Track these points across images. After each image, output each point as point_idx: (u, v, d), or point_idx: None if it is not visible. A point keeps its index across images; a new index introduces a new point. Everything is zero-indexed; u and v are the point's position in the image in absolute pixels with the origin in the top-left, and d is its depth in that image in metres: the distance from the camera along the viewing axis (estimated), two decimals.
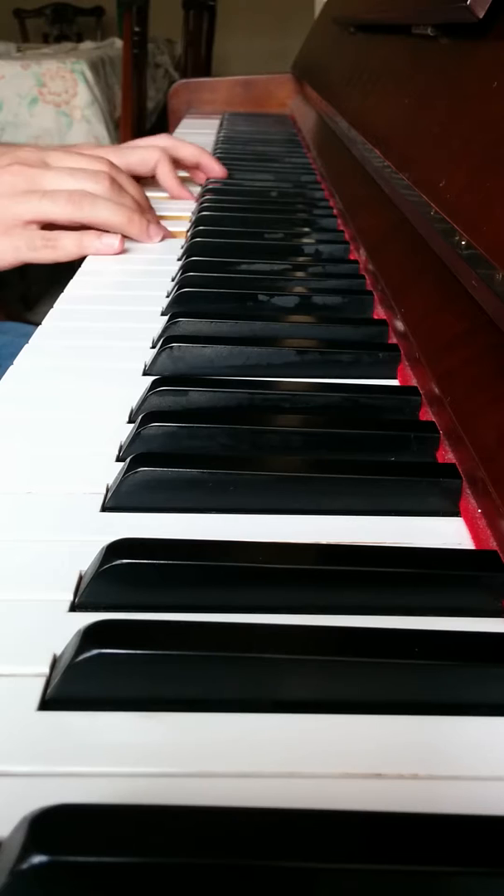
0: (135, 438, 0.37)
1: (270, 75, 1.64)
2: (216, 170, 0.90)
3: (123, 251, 0.66)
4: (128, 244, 0.68)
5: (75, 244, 0.64)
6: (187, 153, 0.87)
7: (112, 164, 0.70)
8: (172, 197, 0.84)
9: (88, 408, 0.41)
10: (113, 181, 0.67)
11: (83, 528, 0.32)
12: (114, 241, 0.65)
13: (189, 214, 0.80)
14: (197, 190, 0.88)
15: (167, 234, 0.72)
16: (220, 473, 0.33)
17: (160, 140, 0.86)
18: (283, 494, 0.34)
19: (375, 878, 0.18)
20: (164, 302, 0.56)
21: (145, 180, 0.83)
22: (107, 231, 0.66)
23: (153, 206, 0.75)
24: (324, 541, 0.31)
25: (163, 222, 0.73)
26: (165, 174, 0.82)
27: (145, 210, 0.71)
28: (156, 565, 0.28)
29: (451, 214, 0.40)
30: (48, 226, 0.65)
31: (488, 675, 0.25)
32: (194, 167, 0.90)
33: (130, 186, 0.70)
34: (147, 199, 0.72)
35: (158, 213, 0.76)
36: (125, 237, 0.67)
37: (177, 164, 0.86)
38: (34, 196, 0.63)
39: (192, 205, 0.84)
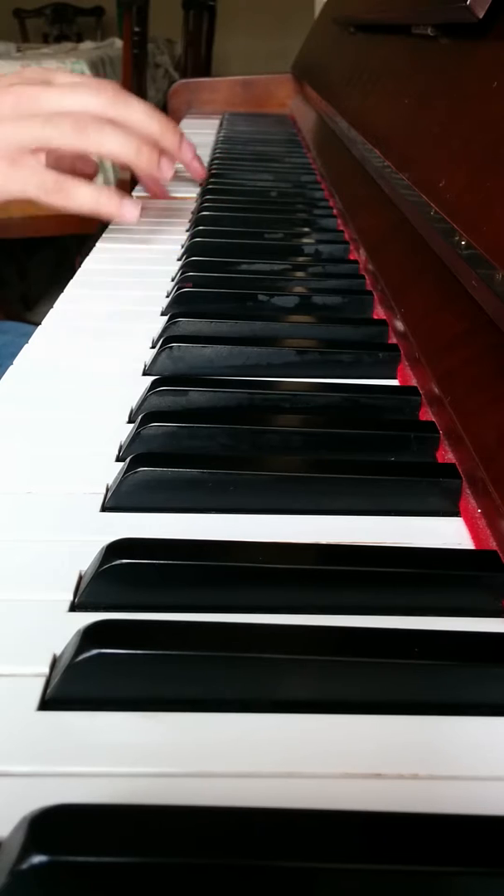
0: (135, 438, 0.37)
1: (270, 75, 1.64)
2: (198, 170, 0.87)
3: (137, 221, 0.62)
4: (127, 245, 0.67)
5: (92, 198, 0.58)
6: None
7: (118, 85, 0.63)
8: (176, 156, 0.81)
9: (88, 408, 0.41)
10: (116, 91, 0.60)
11: (83, 528, 0.32)
12: (135, 209, 0.60)
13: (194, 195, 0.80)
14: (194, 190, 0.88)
15: (191, 159, 0.66)
16: (220, 473, 0.33)
17: (173, 123, 0.83)
18: (283, 494, 0.34)
19: (375, 878, 0.18)
20: (164, 302, 0.56)
21: None
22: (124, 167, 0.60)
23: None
24: (324, 541, 0.31)
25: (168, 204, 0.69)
26: (172, 142, 0.76)
27: (156, 123, 0.63)
28: (155, 565, 0.28)
29: (451, 214, 0.40)
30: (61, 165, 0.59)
31: (488, 675, 0.25)
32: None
33: (136, 100, 0.62)
34: (160, 113, 0.64)
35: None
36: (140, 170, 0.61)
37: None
38: (37, 121, 0.57)
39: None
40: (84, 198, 0.58)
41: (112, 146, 0.59)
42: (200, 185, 0.89)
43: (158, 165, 0.62)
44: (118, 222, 0.62)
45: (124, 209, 0.60)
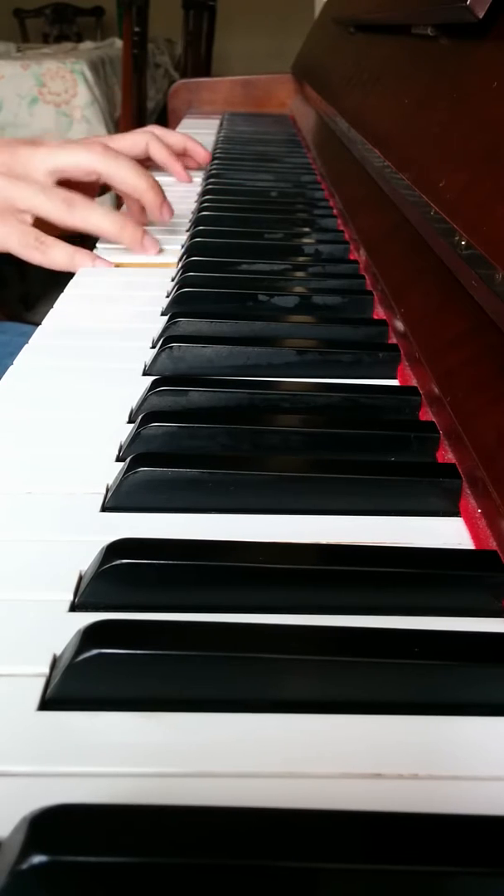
0: (135, 438, 0.37)
1: (270, 75, 1.64)
2: (201, 153, 0.96)
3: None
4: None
5: (66, 258, 0.63)
6: (174, 140, 0.92)
7: (105, 144, 0.68)
8: (168, 169, 0.89)
9: (88, 408, 0.41)
10: (105, 148, 0.65)
11: (83, 529, 0.32)
12: (106, 266, 0.64)
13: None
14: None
15: (168, 221, 0.70)
16: (220, 473, 0.33)
17: (148, 129, 0.89)
18: (283, 494, 0.34)
19: (375, 878, 0.18)
20: (164, 302, 0.56)
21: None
22: (104, 241, 0.65)
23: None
24: (324, 541, 0.31)
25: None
26: (157, 150, 0.85)
27: (142, 181, 0.67)
28: (155, 565, 0.28)
29: (450, 214, 0.40)
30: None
31: (488, 675, 0.25)
32: (182, 153, 0.94)
33: (125, 158, 0.67)
34: (146, 172, 0.68)
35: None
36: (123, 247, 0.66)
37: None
38: (32, 186, 0.61)
39: (187, 187, 0.89)
40: (60, 257, 0.63)
41: (97, 221, 0.63)
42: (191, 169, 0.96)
43: (142, 243, 0.66)
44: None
45: (97, 265, 0.64)
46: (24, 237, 0.61)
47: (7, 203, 0.61)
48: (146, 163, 0.86)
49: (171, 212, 0.70)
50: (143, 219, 0.71)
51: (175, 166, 0.89)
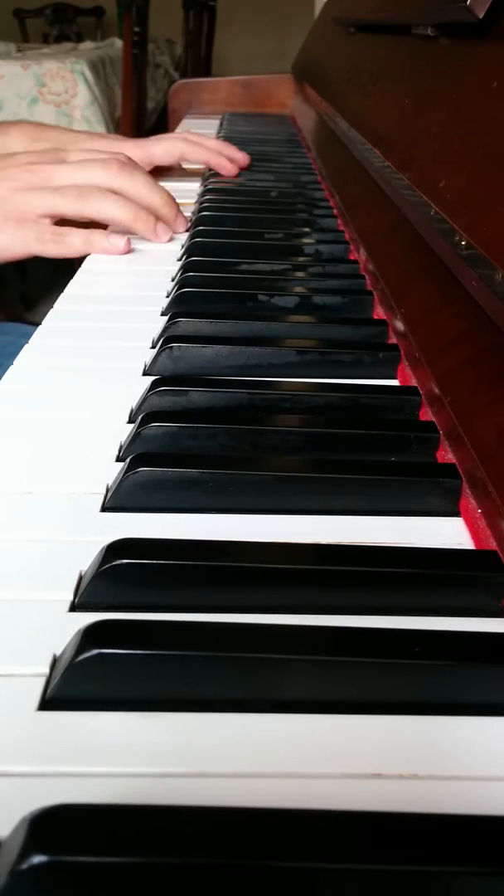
0: (135, 438, 0.37)
1: (270, 75, 1.64)
2: (240, 158, 0.94)
3: (129, 251, 0.67)
4: (131, 244, 0.68)
5: (83, 241, 0.65)
6: (211, 145, 0.92)
7: (126, 157, 0.71)
8: (211, 165, 0.91)
9: (88, 408, 0.41)
10: (122, 166, 0.68)
11: (83, 528, 0.32)
12: (120, 241, 0.66)
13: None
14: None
15: (182, 224, 0.73)
16: (219, 473, 0.33)
17: (184, 134, 0.91)
18: (283, 494, 0.34)
19: (375, 878, 0.18)
20: (164, 302, 0.56)
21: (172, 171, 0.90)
22: (116, 228, 0.67)
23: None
24: (324, 541, 0.31)
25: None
26: (195, 151, 0.87)
27: (157, 196, 0.70)
28: (155, 565, 0.28)
29: (450, 214, 0.40)
30: (64, 221, 0.66)
31: (488, 675, 0.25)
32: (217, 156, 0.94)
33: (141, 175, 0.70)
34: (161, 188, 0.71)
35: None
36: (137, 235, 0.68)
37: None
38: (46, 191, 0.64)
39: (188, 185, 0.90)
40: (77, 242, 0.65)
41: (110, 210, 0.66)
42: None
43: (155, 230, 0.69)
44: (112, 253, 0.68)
45: (111, 243, 0.66)
46: (42, 234, 0.64)
47: (29, 213, 0.64)
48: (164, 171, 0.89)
49: (186, 221, 0.74)
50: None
51: (218, 159, 0.90)
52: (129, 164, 0.70)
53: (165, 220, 0.70)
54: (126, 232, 0.68)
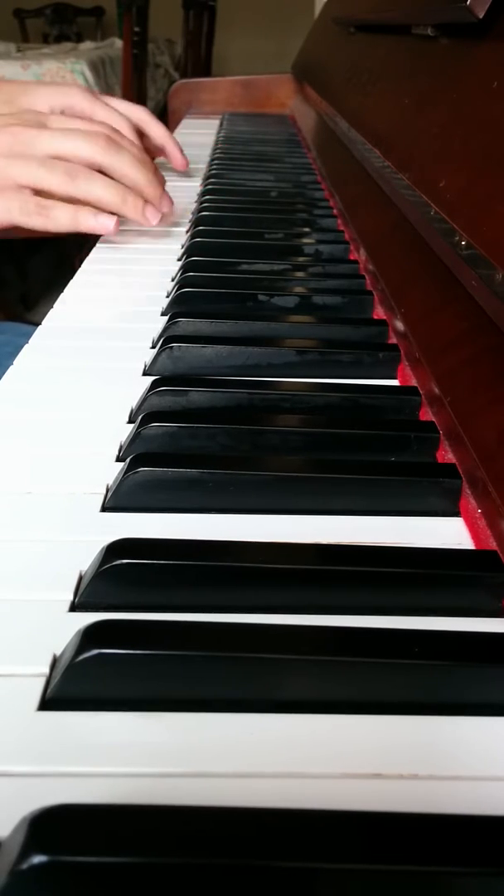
0: (135, 438, 0.37)
1: (270, 75, 1.64)
2: (178, 159, 0.90)
3: (118, 231, 0.65)
4: (127, 245, 0.67)
5: (69, 217, 0.62)
6: (159, 132, 0.86)
7: (111, 127, 0.68)
8: (167, 150, 0.88)
9: (88, 408, 0.41)
10: (109, 141, 0.65)
11: (83, 529, 0.32)
12: (109, 221, 0.63)
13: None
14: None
15: (169, 213, 0.70)
16: (219, 473, 0.33)
17: (139, 107, 0.86)
18: (283, 494, 0.34)
19: (375, 878, 0.18)
20: (164, 302, 0.56)
21: None
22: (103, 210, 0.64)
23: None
24: (324, 541, 0.31)
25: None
26: (156, 127, 0.84)
27: (141, 175, 0.67)
28: (155, 565, 0.28)
29: (450, 214, 0.40)
30: (42, 193, 0.63)
31: (488, 675, 0.25)
32: (160, 150, 0.90)
33: (126, 151, 0.66)
34: (149, 160, 0.68)
35: None
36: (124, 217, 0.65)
37: (145, 142, 0.86)
38: (32, 161, 0.61)
39: (188, 184, 0.87)
40: (63, 217, 0.62)
41: (99, 193, 0.63)
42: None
43: (144, 213, 0.66)
44: (101, 234, 0.66)
45: (100, 222, 0.63)
46: (25, 205, 0.61)
47: (8, 181, 0.61)
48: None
49: (171, 202, 0.71)
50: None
51: (174, 146, 0.87)
52: (116, 137, 0.66)
53: (150, 201, 0.67)
54: (112, 245, 0.67)
